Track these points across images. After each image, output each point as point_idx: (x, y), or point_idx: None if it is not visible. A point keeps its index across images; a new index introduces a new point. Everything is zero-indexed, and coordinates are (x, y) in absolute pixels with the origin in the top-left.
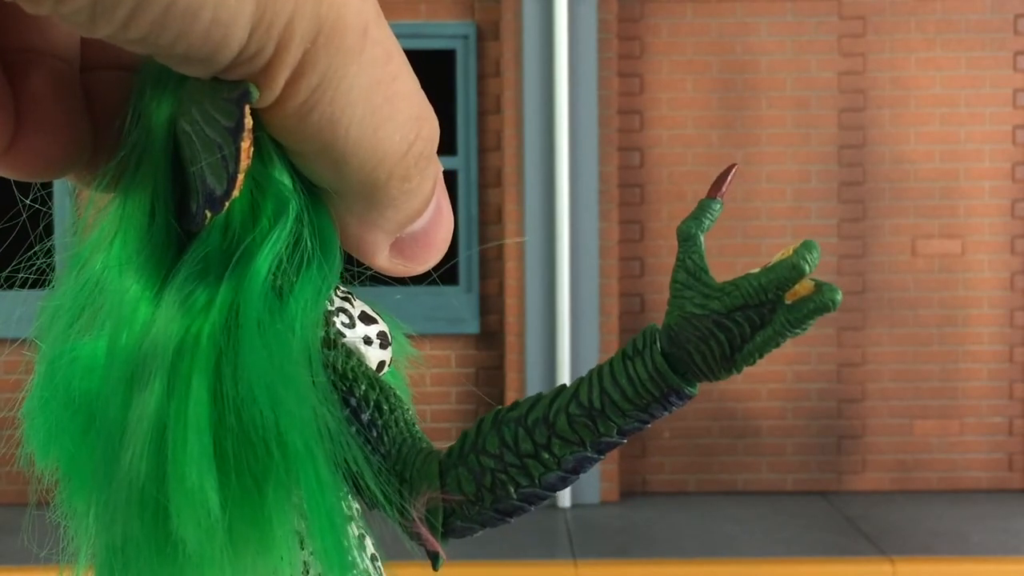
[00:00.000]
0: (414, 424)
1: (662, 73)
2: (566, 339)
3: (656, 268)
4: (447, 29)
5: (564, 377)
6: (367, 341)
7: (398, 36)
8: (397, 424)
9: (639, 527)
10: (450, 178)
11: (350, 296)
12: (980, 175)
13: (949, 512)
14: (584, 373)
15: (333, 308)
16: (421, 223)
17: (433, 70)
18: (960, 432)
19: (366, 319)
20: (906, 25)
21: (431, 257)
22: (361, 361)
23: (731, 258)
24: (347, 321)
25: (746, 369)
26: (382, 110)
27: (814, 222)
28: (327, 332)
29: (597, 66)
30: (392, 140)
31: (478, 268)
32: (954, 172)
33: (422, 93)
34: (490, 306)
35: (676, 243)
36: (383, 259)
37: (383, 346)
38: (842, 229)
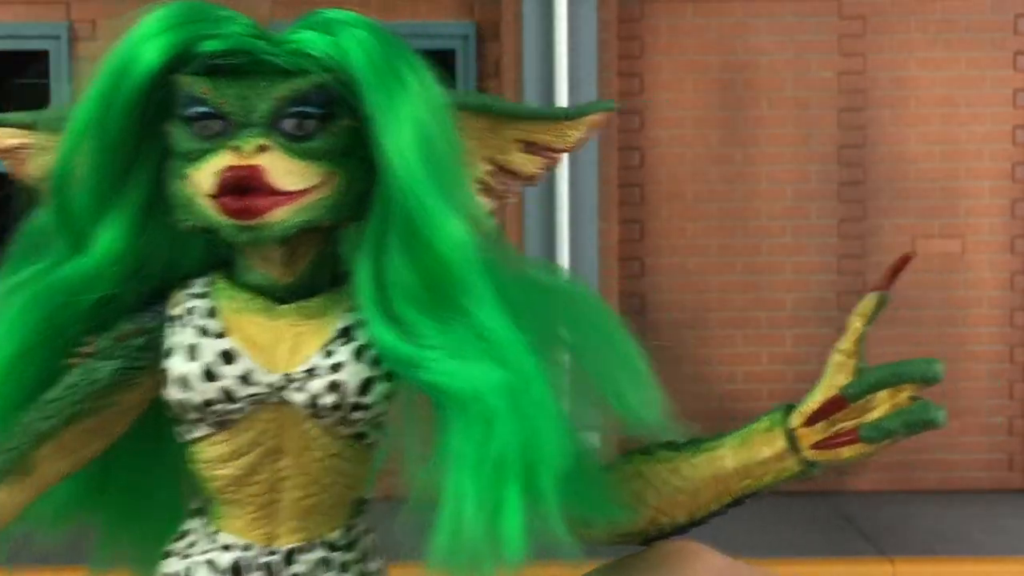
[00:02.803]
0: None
1: (662, 73)
2: None
3: (656, 268)
4: (447, 29)
5: None
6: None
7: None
8: None
9: None
10: None
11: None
12: (980, 175)
13: (949, 512)
14: None
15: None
16: None
17: (433, 70)
18: (960, 432)
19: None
20: (906, 25)
21: None
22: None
23: (731, 258)
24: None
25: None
26: None
27: (814, 222)
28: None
29: (597, 66)
30: None
31: None
32: (954, 172)
33: None
34: None
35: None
36: None
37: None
38: (842, 229)
